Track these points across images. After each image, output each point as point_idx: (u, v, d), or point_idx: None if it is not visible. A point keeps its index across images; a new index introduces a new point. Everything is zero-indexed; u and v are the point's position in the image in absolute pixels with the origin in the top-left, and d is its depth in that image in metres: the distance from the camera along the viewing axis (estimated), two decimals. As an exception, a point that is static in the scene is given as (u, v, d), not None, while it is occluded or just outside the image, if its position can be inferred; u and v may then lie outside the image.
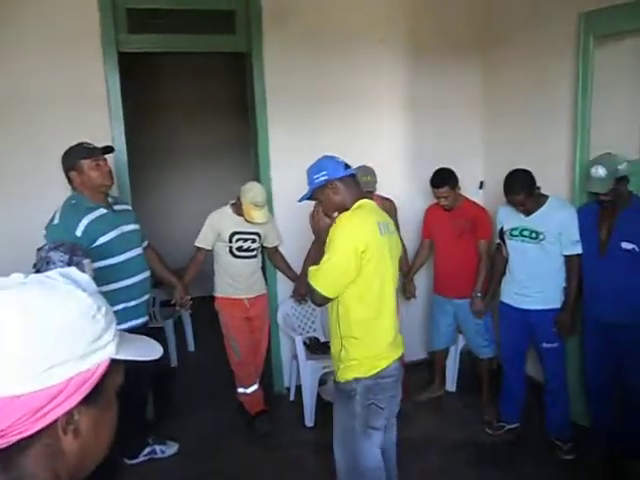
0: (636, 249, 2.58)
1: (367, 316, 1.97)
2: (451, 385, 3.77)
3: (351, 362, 1.98)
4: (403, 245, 3.16)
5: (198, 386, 3.94)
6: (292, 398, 3.67)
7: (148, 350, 0.74)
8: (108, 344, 0.68)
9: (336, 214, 2.05)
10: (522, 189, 2.78)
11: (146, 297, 2.78)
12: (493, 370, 3.47)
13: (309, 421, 3.36)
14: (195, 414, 3.55)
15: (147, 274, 2.77)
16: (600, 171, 2.55)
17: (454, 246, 3.33)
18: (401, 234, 2.84)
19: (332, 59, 3.58)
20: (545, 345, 2.96)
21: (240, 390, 3.37)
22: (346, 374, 1.99)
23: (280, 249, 3.50)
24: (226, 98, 5.52)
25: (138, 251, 2.74)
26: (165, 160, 5.84)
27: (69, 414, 0.64)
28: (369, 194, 3.21)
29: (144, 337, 0.79)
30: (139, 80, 5.26)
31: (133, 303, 2.65)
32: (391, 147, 3.83)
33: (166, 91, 5.67)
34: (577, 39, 2.99)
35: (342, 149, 3.29)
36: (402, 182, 3.85)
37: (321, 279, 1.93)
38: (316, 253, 3.42)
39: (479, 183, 4.04)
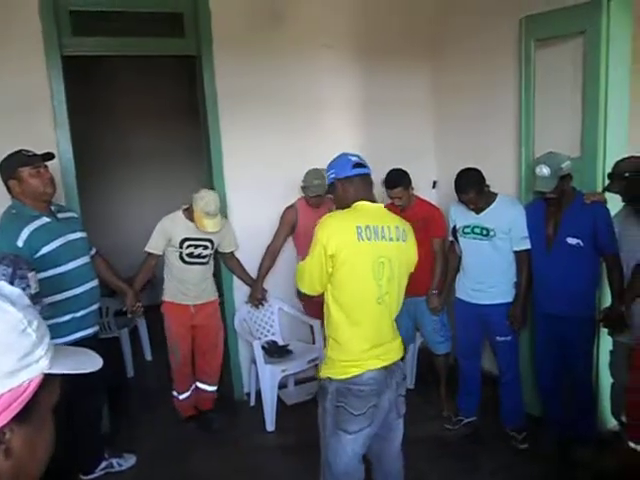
0: (581, 244, 2.68)
1: (342, 320, 1.95)
2: (410, 382, 3.81)
3: (327, 360, 2.02)
4: None
5: (155, 396, 3.85)
6: (252, 403, 3.64)
7: (86, 363, 0.72)
8: (41, 359, 0.65)
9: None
10: (472, 188, 2.85)
11: (95, 307, 2.71)
12: (450, 365, 3.54)
13: (270, 425, 3.33)
14: (153, 424, 3.47)
15: (95, 283, 2.70)
16: (544, 170, 2.64)
17: (409, 245, 3.38)
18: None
19: (284, 62, 3.57)
20: (499, 338, 3.04)
21: (174, 394, 3.40)
22: (323, 371, 2.03)
23: (236, 254, 3.47)
24: (180, 101, 5.42)
25: (85, 260, 2.66)
26: (118, 165, 5.68)
27: (0, 433, 0.62)
28: (320, 198, 3.25)
29: (82, 349, 0.76)
30: (90, 83, 5.15)
31: (81, 313, 2.58)
32: (344, 149, 3.80)
33: (119, 94, 5.54)
34: (519, 43, 3.09)
35: (295, 152, 3.30)
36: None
37: (299, 274, 2.05)
38: (270, 260, 3.44)
39: (432, 183, 4.12)
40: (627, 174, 2.44)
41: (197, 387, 3.43)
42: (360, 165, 2.06)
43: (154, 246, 3.15)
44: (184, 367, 3.33)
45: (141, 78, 5.48)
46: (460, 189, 2.88)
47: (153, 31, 3.36)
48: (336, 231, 1.90)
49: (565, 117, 2.99)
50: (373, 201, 2.05)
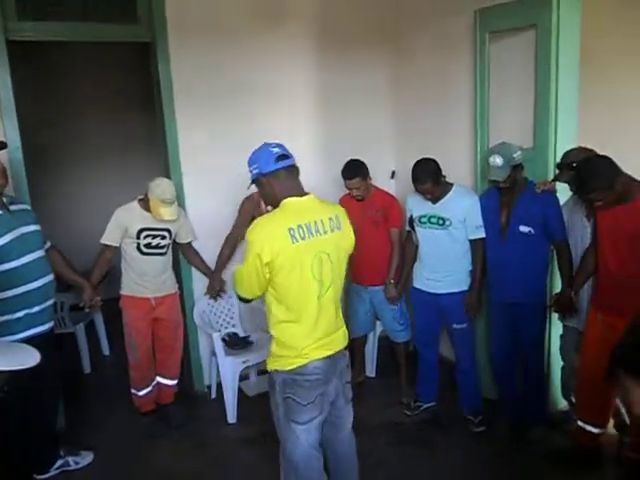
0: (532, 232, 2.77)
1: (286, 318, 1.97)
2: (370, 370, 3.87)
3: (272, 354, 2.04)
4: None
5: (113, 391, 3.77)
6: (213, 396, 3.61)
7: (21, 359, 0.70)
8: (-27, 356, 0.63)
9: (270, 208, 2.04)
10: (429, 178, 2.88)
11: (50, 302, 2.62)
12: (410, 353, 3.60)
13: (231, 417, 3.32)
14: (110, 420, 3.41)
15: (50, 278, 2.61)
16: (497, 160, 2.71)
17: (368, 236, 3.37)
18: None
19: (241, 48, 3.51)
20: (455, 326, 3.10)
21: (132, 391, 3.35)
22: (269, 364, 2.06)
23: (194, 245, 3.42)
24: (140, 90, 5.26)
25: (39, 254, 2.57)
26: (75, 156, 5.45)
27: None
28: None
29: (19, 345, 0.74)
30: (44, 72, 4.95)
31: (36, 309, 2.49)
32: (302, 139, 3.83)
33: (74, 84, 5.32)
34: (474, 34, 3.14)
35: (252, 141, 3.25)
36: (314, 174, 3.82)
37: (237, 281, 2.02)
38: (229, 250, 3.41)
39: (391, 173, 4.15)
40: (574, 164, 2.52)
41: (157, 382, 3.38)
42: (284, 157, 1.98)
43: (110, 238, 3.08)
44: (145, 362, 3.27)
45: (97, 67, 5.28)
46: (417, 179, 2.92)
47: (104, 16, 3.24)
48: (268, 237, 1.85)
49: (518, 108, 3.06)
50: (302, 192, 1.99)
